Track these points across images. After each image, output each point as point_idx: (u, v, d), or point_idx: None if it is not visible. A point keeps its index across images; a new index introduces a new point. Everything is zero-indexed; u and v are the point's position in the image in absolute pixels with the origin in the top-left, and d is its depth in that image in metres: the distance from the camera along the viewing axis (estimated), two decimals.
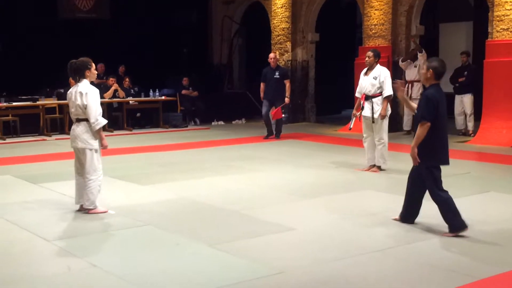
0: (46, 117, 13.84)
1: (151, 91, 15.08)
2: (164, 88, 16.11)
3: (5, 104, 13.13)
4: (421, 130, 5.43)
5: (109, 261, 4.85)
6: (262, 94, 12.59)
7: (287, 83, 12.47)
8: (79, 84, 6.53)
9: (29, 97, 13.76)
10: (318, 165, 9.40)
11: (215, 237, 5.53)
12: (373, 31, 14.00)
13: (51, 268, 4.75)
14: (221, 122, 16.28)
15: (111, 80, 14.63)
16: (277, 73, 12.46)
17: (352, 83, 14.46)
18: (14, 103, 13.35)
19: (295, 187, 7.73)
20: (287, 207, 6.72)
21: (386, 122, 8.59)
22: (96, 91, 6.49)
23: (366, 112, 8.54)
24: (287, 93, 12.35)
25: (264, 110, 12.50)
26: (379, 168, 8.68)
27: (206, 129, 14.94)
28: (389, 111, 8.61)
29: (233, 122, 16.42)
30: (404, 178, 5.99)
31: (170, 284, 4.37)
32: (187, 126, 15.33)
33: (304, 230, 5.73)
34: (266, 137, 12.54)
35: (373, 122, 8.50)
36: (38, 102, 13.69)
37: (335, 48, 16.78)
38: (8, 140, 12.76)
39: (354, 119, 8.75)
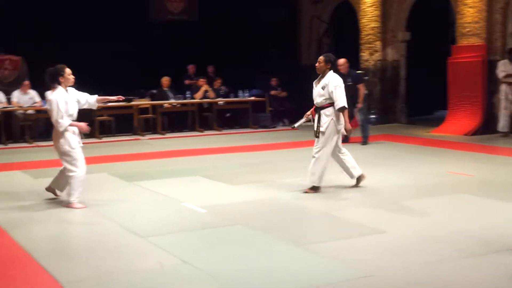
0: (140, 117, 14.28)
1: (240, 91, 15.24)
2: (253, 88, 16.24)
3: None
4: None
5: (199, 259, 4.94)
6: None
7: (361, 88, 11.81)
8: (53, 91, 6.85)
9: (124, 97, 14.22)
10: (408, 167, 9.19)
11: (304, 237, 5.52)
12: (467, 29, 13.54)
13: (144, 263, 4.89)
14: (310, 123, 16.20)
15: (201, 81, 14.91)
16: (349, 80, 11.67)
17: (445, 83, 14.08)
18: (110, 104, 13.85)
19: (385, 189, 7.59)
20: (377, 209, 6.60)
21: (333, 138, 7.36)
22: (60, 96, 6.73)
23: (315, 125, 7.47)
24: (360, 99, 11.73)
25: None
26: (312, 188, 7.39)
27: (294, 130, 14.91)
28: (341, 126, 7.36)
29: None
30: (499, 183, 5.75)
31: (259, 283, 4.39)
32: (275, 127, 15.39)
33: (395, 233, 5.61)
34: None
35: (316, 136, 7.40)
36: (132, 103, 14.16)
37: (427, 47, 16.35)
38: (104, 139, 13.26)
39: (304, 120, 7.78)
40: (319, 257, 4.94)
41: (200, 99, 14.78)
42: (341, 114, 7.31)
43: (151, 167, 9.52)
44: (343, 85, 7.39)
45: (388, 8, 15.84)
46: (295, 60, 19.34)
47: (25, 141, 12.85)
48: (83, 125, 6.92)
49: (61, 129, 6.72)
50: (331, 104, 7.31)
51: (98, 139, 13.25)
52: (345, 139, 12.06)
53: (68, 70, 6.88)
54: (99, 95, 7.45)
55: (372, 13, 15.79)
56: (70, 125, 6.75)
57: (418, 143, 11.96)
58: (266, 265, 4.79)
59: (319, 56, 7.58)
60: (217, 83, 15.41)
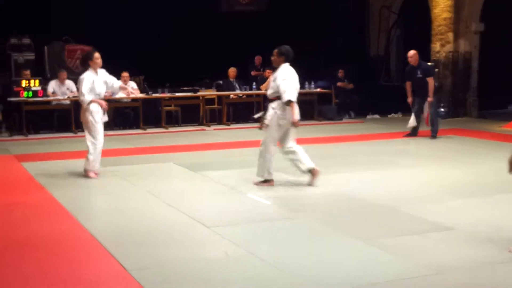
0: (206, 108, 14.42)
1: (306, 83, 15.14)
2: (319, 80, 16.09)
3: (168, 94, 13.87)
4: None
5: (265, 250, 4.94)
6: (409, 94, 11.67)
7: (430, 81, 11.42)
8: None
9: (190, 88, 14.40)
10: (478, 162, 8.93)
11: (369, 232, 5.43)
12: None
13: (210, 253, 4.93)
14: (376, 116, 15.99)
15: (268, 72, 14.88)
16: (419, 72, 11.51)
17: None
18: (177, 94, 14.05)
19: (452, 185, 7.40)
20: (444, 205, 6.43)
21: (273, 131, 7.26)
22: (87, 77, 7.69)
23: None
24: (430, 92, 11.36)
25: (414, 108, 11.66)
26: (264, 181, 7.38)
27: (360, 123, 14.77)
28: (285, 121, 7.20)
29: (389, 115, 16.07)
30: None
31: (323, 278, 4.35)
32: (341, 119, 15.23)
33: (463, 230, 5.45)
34: (408, 135, 11.77)
35: (260, 128, 7.52)
36: (198, 93, 14.30)
37: (501, 38, 15.81)
38: (170, 129, 13.46)
39: (264, 112, 7.58)
40: (384, 253, 4.85)
41: (266, 90, 14.77)
42: (287, 108, 7.12)
43: (217, 158, 9.59)
44: (292, 77, 7.21)
45: None
46: (363, 51, 19.07)
47: None
48: (103, 102, 7.86)
49: (83, 104, 7.70)
50: (279, 97, 7.17)
51: (165, 129, 13.46)
52: (414, 133, 11.84)
53: (96, 55, 7.71)
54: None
55: (445, 3, 15.36)
56: (92, 100, 7.69)
57: (489, 138, 11.59)
58: (331, 259, 4.74)
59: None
60: None
